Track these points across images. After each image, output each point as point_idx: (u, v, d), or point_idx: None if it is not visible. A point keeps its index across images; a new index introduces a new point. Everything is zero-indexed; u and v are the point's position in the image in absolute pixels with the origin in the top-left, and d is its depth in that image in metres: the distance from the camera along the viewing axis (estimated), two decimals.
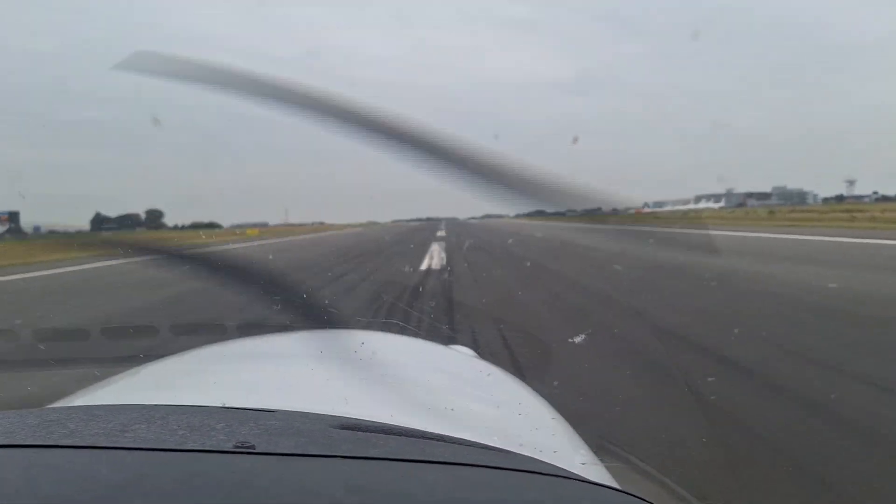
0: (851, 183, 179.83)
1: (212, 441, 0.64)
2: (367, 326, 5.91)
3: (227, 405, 0.81)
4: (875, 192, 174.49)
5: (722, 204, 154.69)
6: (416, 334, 4.47)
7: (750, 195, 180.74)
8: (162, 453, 0.61)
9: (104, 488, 0.53)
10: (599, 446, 1.04)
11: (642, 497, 0.68)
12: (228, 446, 0.63)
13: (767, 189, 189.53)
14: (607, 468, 0.91)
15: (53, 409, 0.82)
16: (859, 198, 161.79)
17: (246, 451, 0.62)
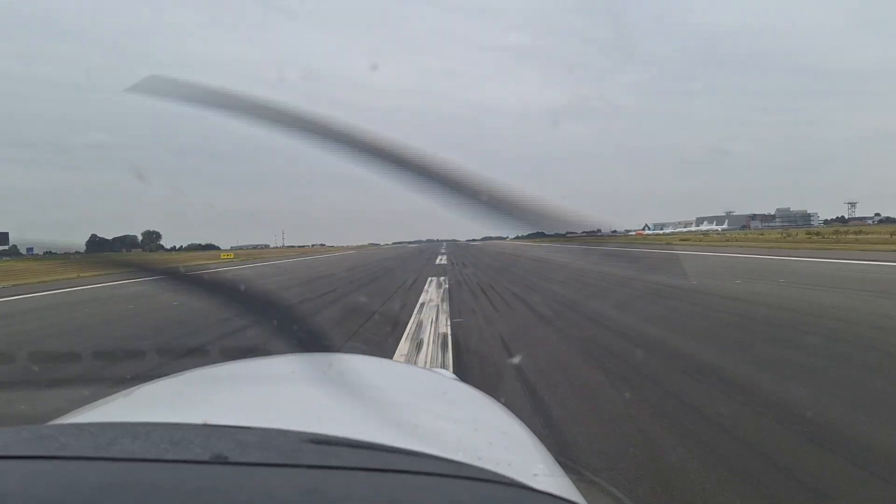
0: (853, 205, 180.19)
1: (189, 453, 0.70)
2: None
3: (208, 423, 0.86)
4: (877, 214, 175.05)
5: (725, 226, 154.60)
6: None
7: (753, 217, 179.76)
8: (143, 464, 0.67)
9: (91, 494, 0.59)
10: (565, 465, 1.12)
11: None
12: (205, 458, 0.68)
13: (771, 211, 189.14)
14: (560, 481, 0.96)
15: (47, 426, 0.88)
16: (862, 219, 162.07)
17: (220, 462, 0.68)
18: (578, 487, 0.98)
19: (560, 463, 1.10)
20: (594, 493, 1.77)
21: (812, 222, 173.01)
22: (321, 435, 0.83)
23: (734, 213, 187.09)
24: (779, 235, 55.10)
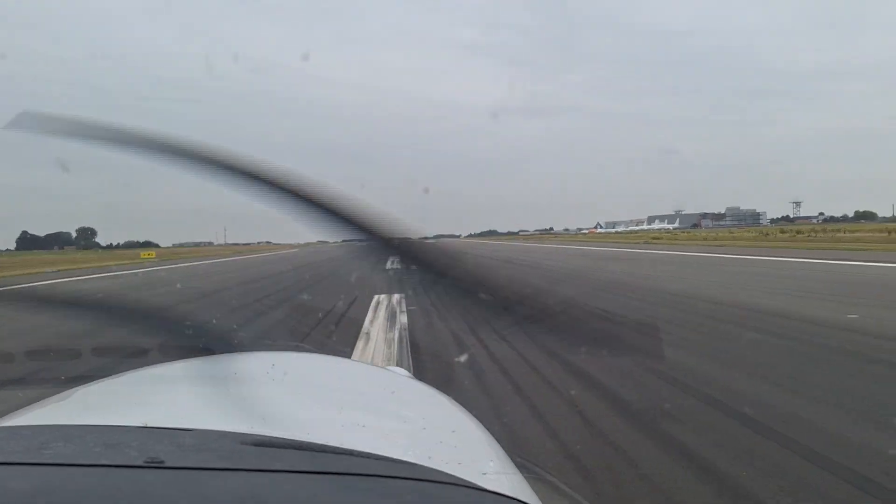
0: (798, 204, 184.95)
1: (124, 457, 0.68)
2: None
3: (147, 425, 0.83)
4: (821, 213, 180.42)
5: (676, 224, 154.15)
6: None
7: (704, 215, 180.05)
8: (74, 468, 0.65)
9: (18, 500, 0.56)
10: (520, 464, 1.08)
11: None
12: (139, 462, 0.66)
13: (721, 209, 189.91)
14: (512, 479, 0.94)
15: None
16: (807, 218, 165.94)
17: (155, 465, 0.66)
18: (532, 485, 0.95)
19: (514, 461, 1.08)
20: (547, 492, 1.65)
21: (761, 221, 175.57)
22: (263, 436, 0.82)
23: (684, 212, 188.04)
24: (756, 234, 51.76)
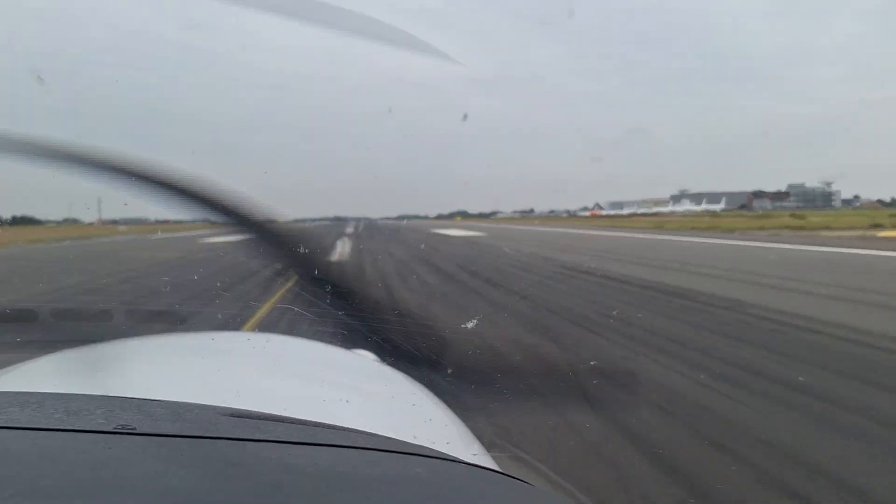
0: (829, 184, 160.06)
1: (89, 423, 0.65)
2: None
3: (111, 395, 0.80)
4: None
5: (722, 205, 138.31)
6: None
7: (758, 194, 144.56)
8: (34, 432, 0.62)
9: None
10: (491, 442, 1.16)
11: (525, 480, 0.76)
12: (107, 428, 0.64)
13: (769, 186, 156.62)
14: (495, 458, 0.99)
15: None
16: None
17: (126, 432, 0.63)
18: (510, 464, 0.97)
19: (495, 443, 1.11)
20: (524, 469, 1.89)
21: (833, 202, 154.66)
22: (242, 409, 0.79)
23: (727, 191, 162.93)
24: None
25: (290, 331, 3.55)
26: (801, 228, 32.01)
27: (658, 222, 50.08)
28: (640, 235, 28.85)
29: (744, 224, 38.79)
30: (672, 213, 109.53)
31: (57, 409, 0.67)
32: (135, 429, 0.62)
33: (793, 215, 51.41)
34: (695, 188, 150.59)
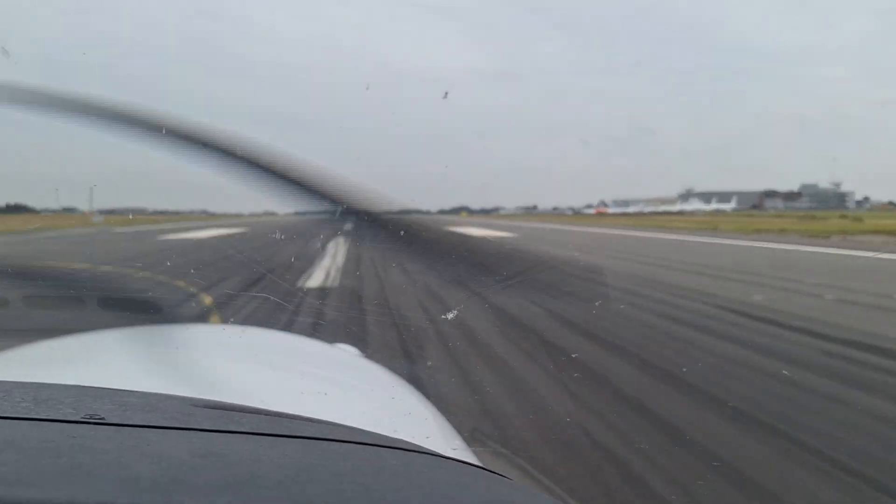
0: (837, 185, 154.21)
1: (57, 413, 0.64)
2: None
3: (81, 384, 0.78)
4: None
5: (733, 204, 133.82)
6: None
7: (770, 193, 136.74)
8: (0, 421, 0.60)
9: None
10: (471, 436, 1.13)
11: (504, 475, 0.74)
12: (76, 418, 0.62)
13: (779, 186, 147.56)
14: (476, 452, 0.96)
15: None
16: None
17: (95, 421, 0.62)
18: (491, 459, 0.91)
19: (476, 438, 1.08)
20: (504, 465, 1.80)
21: (847, 203, 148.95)
22: (214, 401, 0.78)
23: (737, 191, 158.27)
24: None
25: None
26: (860, 232, 27.96)
27: (688, 222, 45.84)
28: (698, 239, 24.46)
29: (794, 226, 34.44)
30: (682, 213, 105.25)
31: (25, 398, 0.67)
32: (104, 419, 0.62)
33: (843, 216, 47.05)
34: (698, 187, 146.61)
